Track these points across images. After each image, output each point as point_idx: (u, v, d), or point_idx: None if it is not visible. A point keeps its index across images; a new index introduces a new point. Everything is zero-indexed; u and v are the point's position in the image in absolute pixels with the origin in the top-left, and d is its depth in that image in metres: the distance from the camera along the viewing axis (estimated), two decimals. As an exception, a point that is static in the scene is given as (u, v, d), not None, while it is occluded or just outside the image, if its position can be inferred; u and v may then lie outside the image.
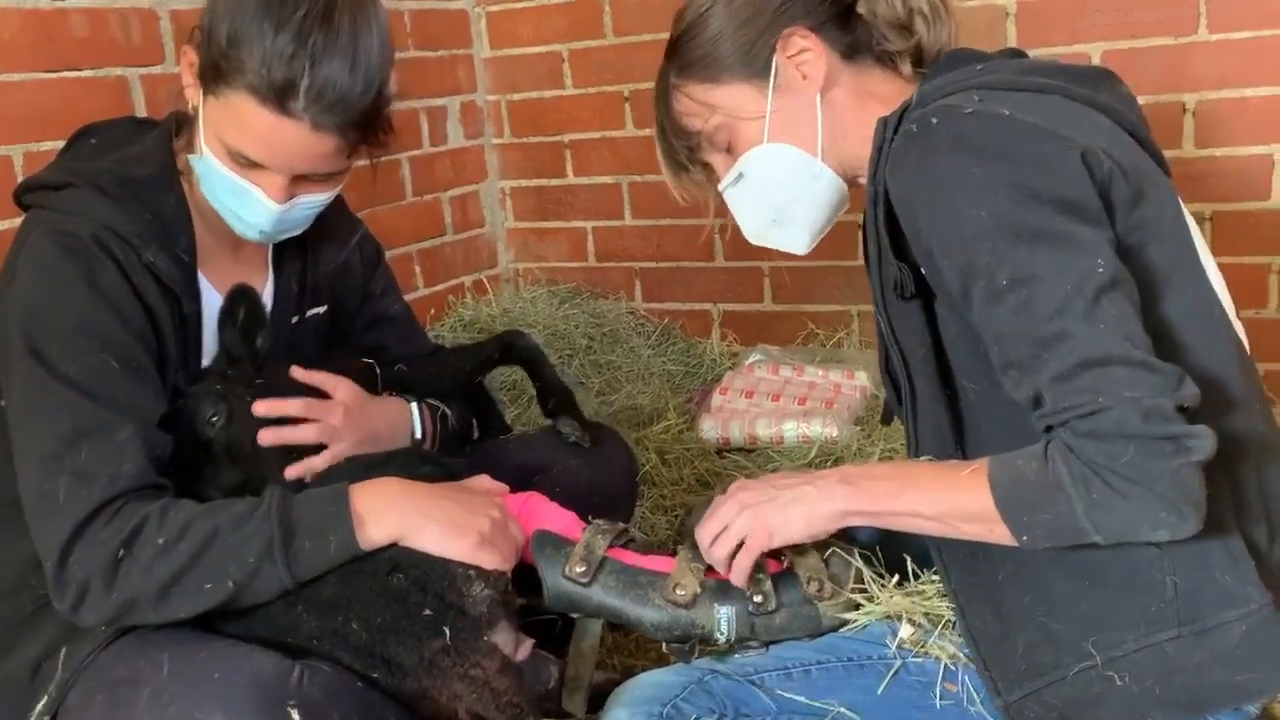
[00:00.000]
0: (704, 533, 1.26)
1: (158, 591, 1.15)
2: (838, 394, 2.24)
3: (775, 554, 1.26)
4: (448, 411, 1.61)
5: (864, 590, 1.30)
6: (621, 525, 1.36)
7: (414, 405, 1.55)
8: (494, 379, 2.16)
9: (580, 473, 1.60)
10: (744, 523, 1.20)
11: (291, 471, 1.34)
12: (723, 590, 1.26)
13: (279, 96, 1.21)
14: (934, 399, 1.17)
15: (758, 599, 1.25)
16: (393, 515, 1.22)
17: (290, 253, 1.52)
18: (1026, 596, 1.09)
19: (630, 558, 1.31)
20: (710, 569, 1.28)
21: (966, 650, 1.18)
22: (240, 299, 1.38)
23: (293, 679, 1.10)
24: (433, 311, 2.70)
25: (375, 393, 1.52)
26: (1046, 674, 1.08)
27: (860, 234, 1.24)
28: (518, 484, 1.53)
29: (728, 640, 1.26)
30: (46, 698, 1.22)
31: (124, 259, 1.28)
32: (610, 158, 2.75)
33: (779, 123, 1.27)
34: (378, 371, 1.56)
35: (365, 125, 1.29)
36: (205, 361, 1.41)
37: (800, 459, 2.02)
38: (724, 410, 2.21)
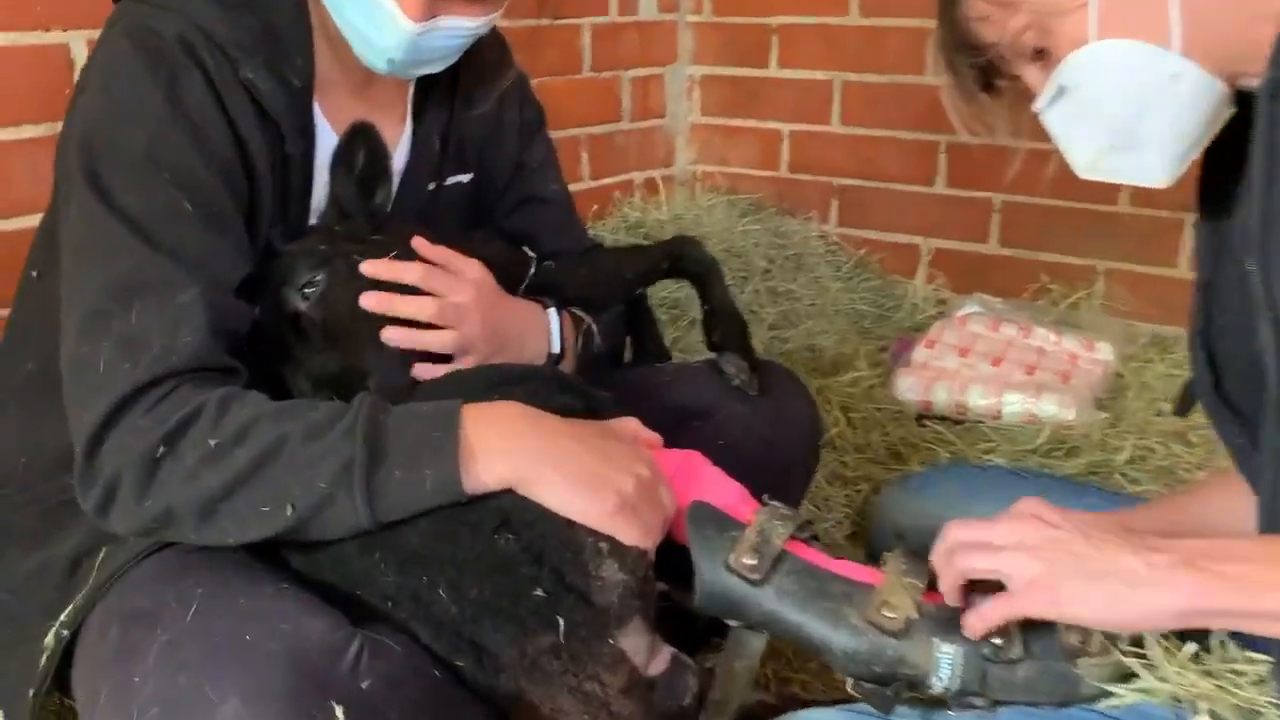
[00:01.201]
0: (959, 539, 0.90)
1: (201, 506, 0.89)
2: (1074, 366, 1.81)
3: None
4: (593, 326, 1.28)
5: (1143, 656, 0.91)
6: (806, 518, 1.00)
7: (552, 312, 1.22)
8: (654, 293, 1.82)
9: (750, 423, 1.25)
10: (1024, 570, 0.84)
11: (420, 371, 1.05)
12: (949, 622, 0.91)
13: None
14: None
15: (997, 641, 0.88)
16: (512, 454, 0.90)
17: (435, 100, 1.22)
18: None
19: (817, 557, 0.96)
20: (930, 589, 0.92)
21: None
22: (359, 138, 1.08)
23: (346, 660, 0.81)
24: (595, 208, 2.37)
25: (514, 293, 1.20)
26: None
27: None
28: (671, 428, 1.21)
29: (946, 689, 0.90)
30: (72, 606, 0.98)
31: (215, 71, 1.00)
32: (823, 49, 2.33)
33: (1111, 9, 0.87)
34: (532, 268, 1.23)
35: None
36: (314, 219, 1.12)
37: (1025, 443, 1.61)
38: (928, 368, 1.81)
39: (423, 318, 1.06)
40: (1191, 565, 0.80)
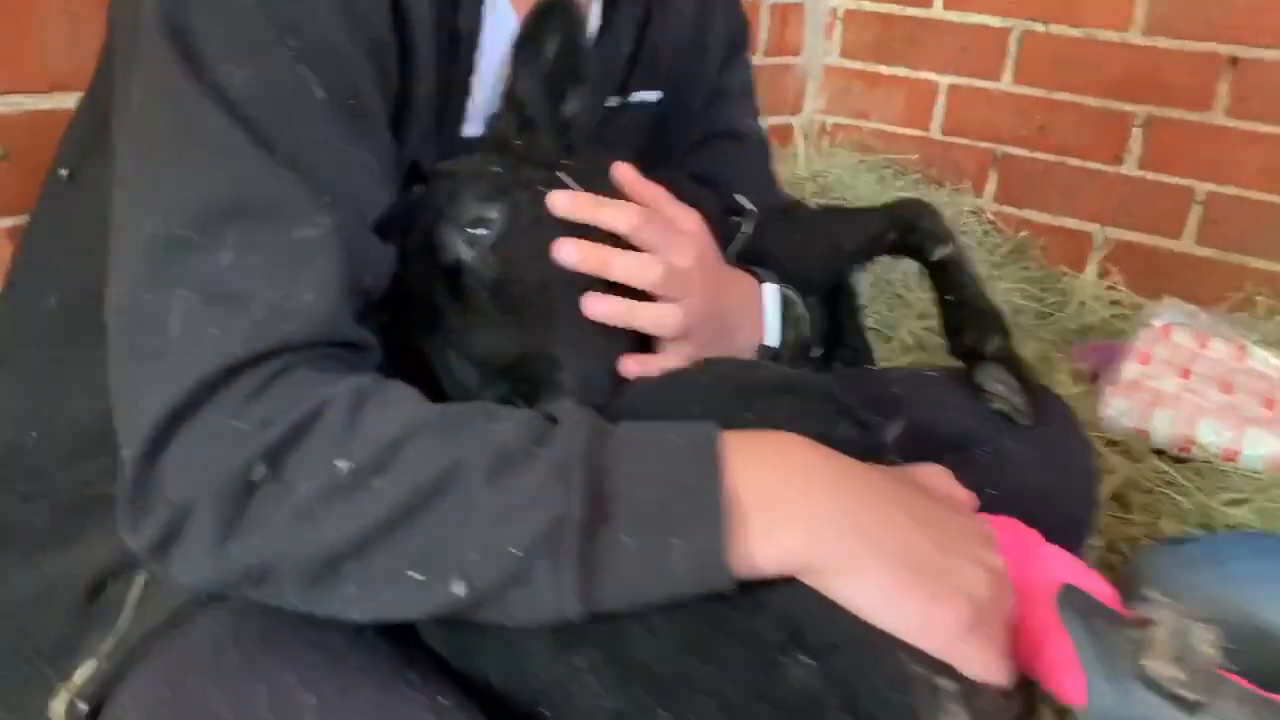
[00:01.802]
0: None
1: (316, 563, 0.58)
2: (1314, 401, 1.48)
3: None
4: (803, 315, 0.95)
5: None
6: (1208, 619, 0.67)
7: (770, 289, 0.88)
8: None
9: (1024, 467, 0.93)
10: None
11: (630, 366, 0.72)
12: None
13: None
14: None
15: None
16: (806, 520, 0.59)
17: None
18: None
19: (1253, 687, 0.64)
20: None
21: None
22: (554, 19, 0.74)
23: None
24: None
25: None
26: None
27: None
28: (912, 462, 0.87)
29: None
30: (93, 669, 0.68)
31: None
32: (1003, -9, 1.97)
33: None
34: (749, 226, 0.90)
35: None
36: (470, 128, 0.78)
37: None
38: (1142, 388, 1.47)
39: (642, 284, 0.72)
40: None
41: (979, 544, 0.62)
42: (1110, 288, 1.91)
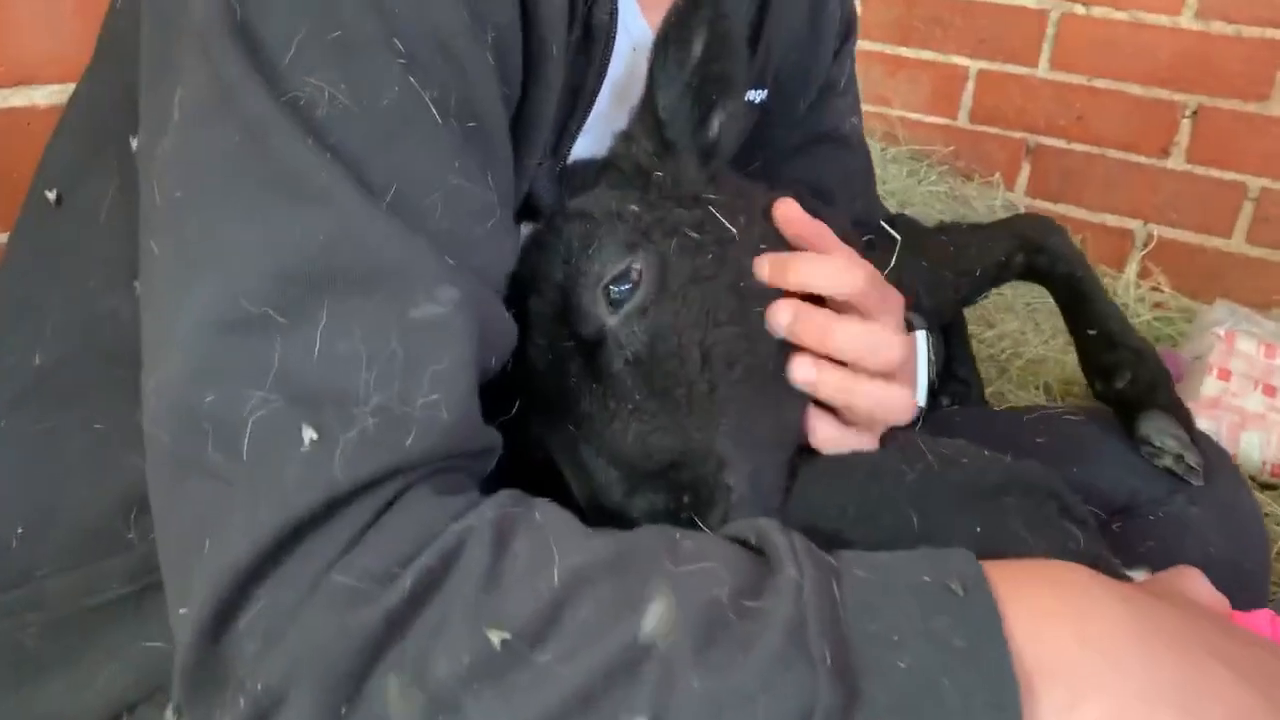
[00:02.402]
0: None
1: None
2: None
3: None
4: (932, 354, 0.80)
5: None
6: None
7: (922, 338, 0.74)
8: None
9: (1205, 532, 0.80)
10: None
11: (831, 435, 0.57)
12: None
13: None
14: None
15: None
16: (1112, 691, 0.45)
17: None
18: None
19: None
20: None
21: None
22: (702, 12, 0.57)
23: None
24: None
25: None
26: None
27: None
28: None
29: None
30: None
31: None
32: (1042, -32, 1.84)
33: None
34: (893, 256, 0.76)
35: None
36: (581, 145, 0.62)
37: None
38: (1224, 406, 1.36)
39: (875, 365, 0.58)
40: None
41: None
42: (1154, 289, 1.80)
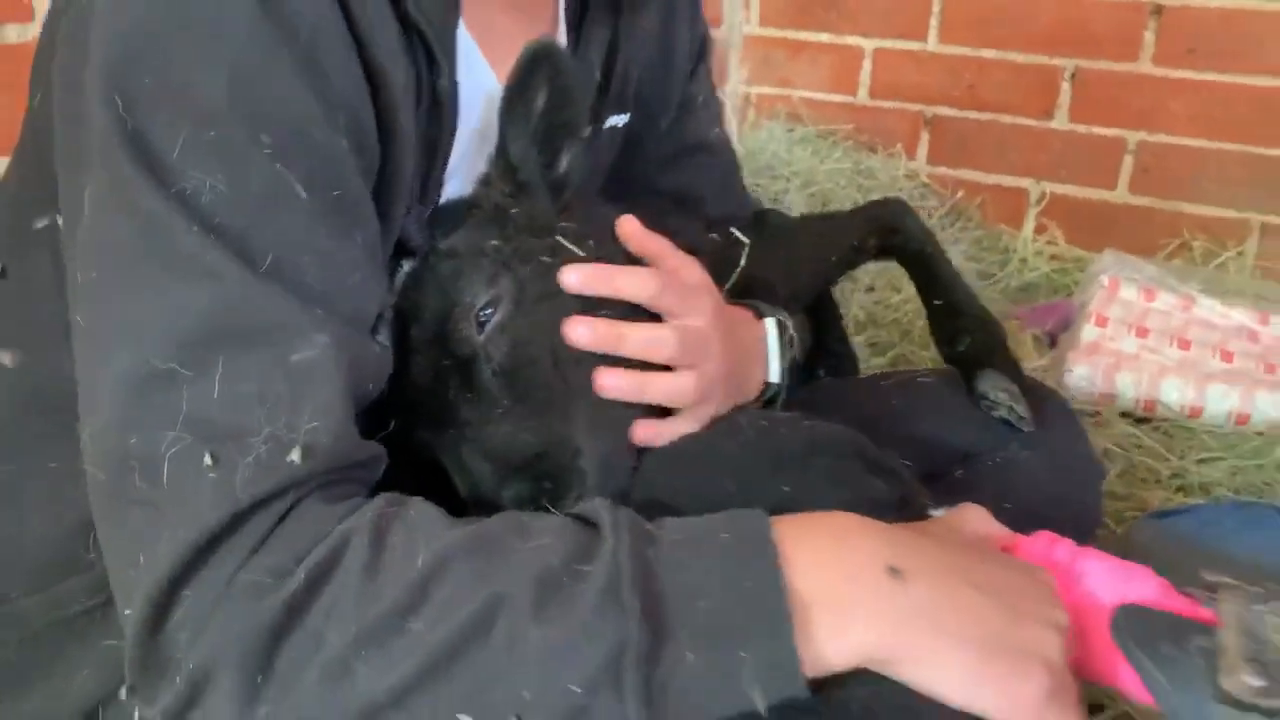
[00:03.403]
0: None
1: (357, 717, 0.50)
2: (1263, 347, 1.50)
3: None
4: (794, 336, 0.91)
5: None
6: (1272, 585, 0.66)
7: (771, 325, 0.85)
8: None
9: (1035, 474, 0.92)
10: None
11: (643, 432, 0.68)
12: None
13: None
14: None
15: None
16: (876, 612, 0.56)
17: (598, 9, 0.81)
18: None
19: None
20: None
21: None
22: (543, 68, 0.68)
23: None
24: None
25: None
26: None
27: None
28: (922, 477, 0.86)
29: None
30: None
31: None
32: (923, -51, 1.95)
33: None
34: (744, 258, 0.86)
35: None
36: (451, 187, 0.72)
37: (1251, 455, 1.30)
38: (1103, 350, 1.48)
39: (659, 359, 0.68)
40: None
41: (1044, 602, 0.60)
42: (1049, 242, 1.92)
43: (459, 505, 0.64)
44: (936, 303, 1.01)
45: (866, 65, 2.05)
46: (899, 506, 0.67)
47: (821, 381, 1.07)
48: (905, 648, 0.55)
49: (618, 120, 0.91)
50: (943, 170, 2.03)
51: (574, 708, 0.51)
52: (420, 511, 0.55)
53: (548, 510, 0.60)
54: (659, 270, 0.70)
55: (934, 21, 1.96)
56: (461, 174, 0.73)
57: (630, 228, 0.71)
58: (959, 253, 1.92)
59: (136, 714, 0.65)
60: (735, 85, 2.19)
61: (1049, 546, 0.68)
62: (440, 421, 0.64)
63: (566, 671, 0.50)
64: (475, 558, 0.53)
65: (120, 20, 0.54)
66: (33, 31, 0.98)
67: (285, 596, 0.51)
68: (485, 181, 0.70)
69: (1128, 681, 0.62)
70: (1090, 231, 1.90)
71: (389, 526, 0.54)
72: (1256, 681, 0.57)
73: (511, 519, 0.56)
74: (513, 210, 0.68)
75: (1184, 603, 0.64)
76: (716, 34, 2.11)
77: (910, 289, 1.79)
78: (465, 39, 0.71)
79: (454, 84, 0.67)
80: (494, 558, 0.53)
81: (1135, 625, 0.62)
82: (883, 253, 1.04)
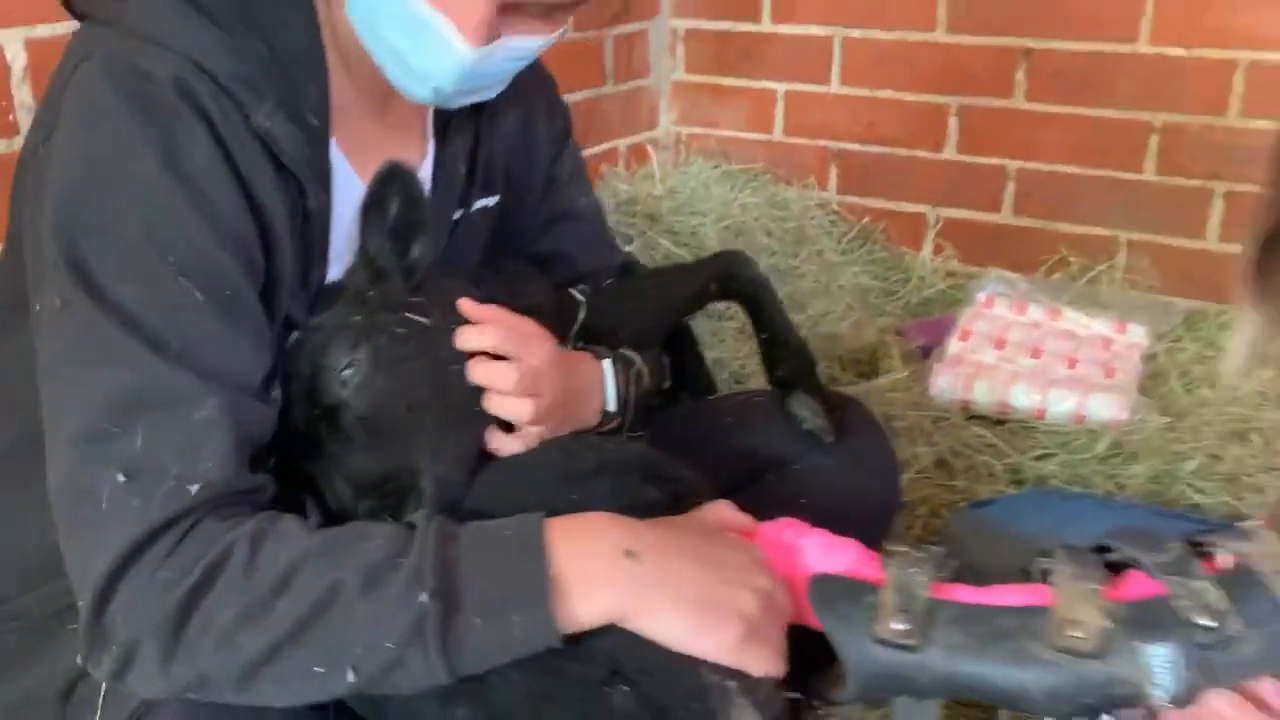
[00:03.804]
0: None
1: (240, 672, 0.74)
2: (1112, 354, 1.71)
3: (1199, 546, 0.80)
4: (643, 369, 1.12)
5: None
6: (938, 547, 0.86)
7: (607, 365, 1.06)
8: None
9: (833, 476, 1.13)
10: None
11: (494, 441, 0.91)
12: (1145, 618, 0.77)
13: None
14: None
15: (1206, 621, 0.76)
16: (614, 583, 0.77)
17: (460, 118, 1.03)
18: None
19: (970, 593, 0.83)
20: (1107, 587, 0.80)
21: None
22: (394, 181, 0.90)
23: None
24: (581, 181, 2.17)
25: (564, 341, 1.04)
26: None
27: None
28: (740, 481, 1.07)
29: (1171, 697, 0.77)
30: None
31: (222, 123, 0.81)
32: (822, 4, 2.16)
33: None
34: (581, 314, 1.07)
35: None
36: (334, 270, 0.94)
37: (1081, 449, 1.51)
38: (965, 362, 1.69)
39: (501, 387, 0.90)
40: None
41: (750, 571, 0.81)
42: (944, 261, 2.13)
43: (332, 516, 0.86)
44: (763, 335, 1.21)
45: (780, 106, 2.27)
46: (670, 506, 0.88)
47: (681, 403, 1.28)
48: (637, 607, 0.76)
49: (488, 201, 1.12)
50: (851, 199, 2.25)
51: (392, 659, 0.72)
52: (286, 525, 0.77)
53: (393, 520, 0.82)
54: (502, 327, 0.92)
55: (835, 67, 2.18)
56: (343, 260, 0.95)
57: (467, 305, 0.93)
58: (866, 273, 2.14)
59: (102, 688, 0.87)
60: (666, 127, 2.41)
61: (780, 530, 0.89)
62: (314, 454, 0.86)
63: (385, 634, 0.72)
64: (323, 557, 0.75)
65: (62, 183, 0.77)
66: (15, 145, 1.21)
67: (188, 588, 0.72)
68: (351, 270, 0.92)
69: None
70: (981, 251, 2.11)
71: (263, 537, 0.75)
72: (902, 626, 0.79)
73: (358, 527, 0.78)
74: (370, 292, 0.90)
75: (874, 568, 0.85)
76: (646, 83, 2.34)
77: (817, 308, 2.01)
78: (339, 160, 0.93)
79: (324, 203, 0.89)
80: (337, 556, 0.75)
81: (821, 589, 0.82)
82: (723, 295, 1.25)
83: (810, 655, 0.84)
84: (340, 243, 0.94)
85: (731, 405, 1.23)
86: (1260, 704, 0.79)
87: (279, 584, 0.73)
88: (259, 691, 0.74)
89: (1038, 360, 1.69)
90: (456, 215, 1.09)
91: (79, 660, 0.78)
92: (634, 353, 1.11)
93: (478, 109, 1.05)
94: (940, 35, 2.05)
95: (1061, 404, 1.59)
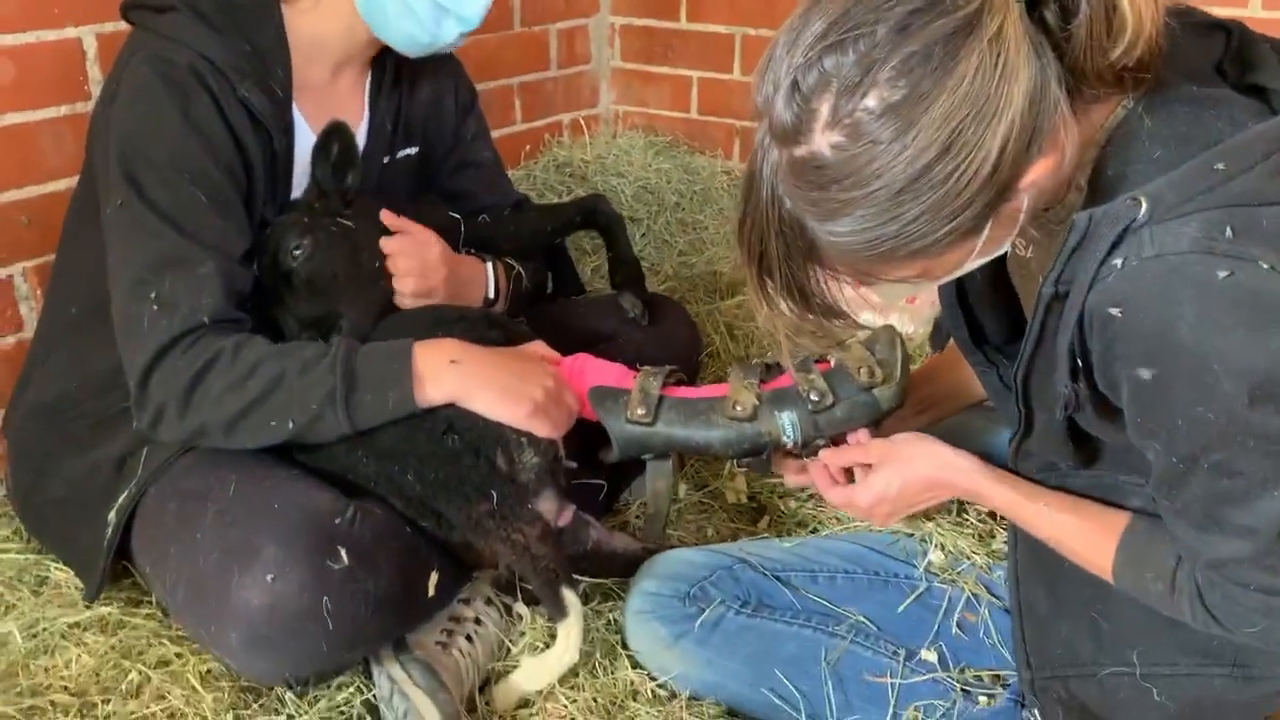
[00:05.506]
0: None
1: (226, 422, 1.22)
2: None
3: (820, 357, 1.30)
4: (522, 271, 1.63)
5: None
6: (670, 366, 1.39)
7: (489, 265, 1.57)
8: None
9: (643, 346, 1.62)
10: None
11: (404, 286, 1.40)
12: (780, 398, 1.30)
13: None
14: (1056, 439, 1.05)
15: (814, 397, 1.27)
16: (451, 377, 1.25)
17: (387, 91, 1.53)
18: (1087, 590, 1.08)
19: (685, 391, 1.35)
20: (764, 382, 1.32)
21: (1010, 620, 1.20)
22: (335, 134, 1.39)
23: (345, 518, 1.17)
24: (528, 148, 2.67)
25: (456, 249, 1.54)
26: (1081, 666, 1.09)
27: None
28: (581, 349, 1.56)
29: (795, 442, 1.29)
30: (128, 491, 1.31)
31: (219, 91, 1.30)
32: (726, 5, 2.62)
33: None
34: (462, 229, 1.57)
35: None
36: (295, 194, 1.44)
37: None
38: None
39: (402, 268, 1.40)
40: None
41: (541, 375, 1.30)
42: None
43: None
44: (610, 254, 1.72)
45: (694, 90, 2.75)
46: (506, 344, 1.38)
47: (557, 301, 1.78)
48: (467, 391, 1.25)
49: (409, 150, 1.62)
50: (750, 167, 2.72)
51: (315, 416, 1.21)
52: (257, 340, 1.26)
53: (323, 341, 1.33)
54: (407, 237, 1.42)
55: (736, 58, 2.66)
56: (300, 185, 1.46)
57: (386, 214, 1.43)
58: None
59: (142, 455, 1.38)
60: (607, 105, 2.90)
61: (575, 360, 1.40)
62: (275, 303, 1.36)
63: (311, 400, 1.21)
64: (277, 357, 1.23)
65: (120, 130, 1.26)
66: (89, 106, 1.72)
67: (195, 371, 1.21)
68: (305, 191, 1.42)
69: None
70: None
71: (242, 344, 1.25)
72: (641, 411, 1.30)
73: (299, 343, 1.29)
74: (316, 205, 1.40)
75: (629, 380, 1.36)
76: (588, 69, 2.83)
77: (709, 260, 2.49)
78: (300, 119, 1.43)
79: (287, 147, 1.39)
80: (285, 356, 1.24)
81: (597, 394, 1.34)
82: (585, 225, 1.75)
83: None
84: (299, 173, 1.44)
85: (582, 302, 1.74)
86: (852, 444, 1.29)
87: (249, 371, 1.22)
88: (238, 436, 1.23)
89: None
90: (386, 160, 1.59)
91: (133, 426, 1.29)
92: (517, 262, 1.62)
93: (398, 86, 1.55)
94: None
95: (866, 322, 2.07)
